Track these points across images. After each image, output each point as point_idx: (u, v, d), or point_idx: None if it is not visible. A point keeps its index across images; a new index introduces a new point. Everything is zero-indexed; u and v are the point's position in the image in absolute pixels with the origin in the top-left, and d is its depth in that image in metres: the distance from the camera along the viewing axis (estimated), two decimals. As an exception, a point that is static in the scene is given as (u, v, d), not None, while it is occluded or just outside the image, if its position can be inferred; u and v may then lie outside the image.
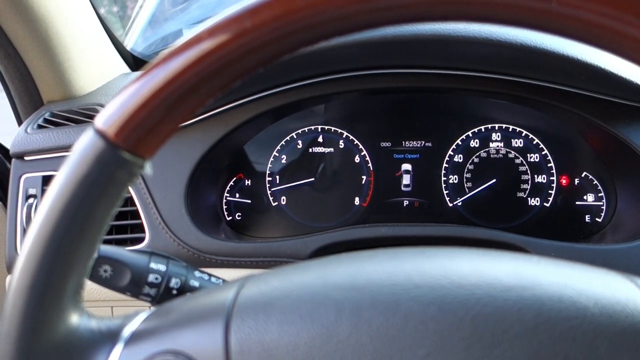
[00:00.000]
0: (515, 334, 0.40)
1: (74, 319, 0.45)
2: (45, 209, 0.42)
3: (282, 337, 0.42)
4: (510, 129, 1.11)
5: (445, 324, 0.41)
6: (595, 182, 1.08)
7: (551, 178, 1.09)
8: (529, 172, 1.10)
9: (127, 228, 1.05)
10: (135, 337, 0.46)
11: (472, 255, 0.47)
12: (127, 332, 0.46)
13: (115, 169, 0.43)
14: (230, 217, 1.16)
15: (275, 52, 0.42)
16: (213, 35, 0.42)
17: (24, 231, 1.06)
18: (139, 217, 1.03)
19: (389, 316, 0.41)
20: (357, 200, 1.14)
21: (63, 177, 0.43)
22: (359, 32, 0.42)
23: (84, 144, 0.43)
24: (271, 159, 1.15)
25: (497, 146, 1.11)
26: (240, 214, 1.16)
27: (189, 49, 0.42)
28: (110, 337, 0.46)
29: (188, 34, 0.44)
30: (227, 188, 1.16)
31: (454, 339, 0.40)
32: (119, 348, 0.45)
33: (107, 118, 0.43)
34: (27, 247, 0.43)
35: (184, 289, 0.65)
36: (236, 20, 0.41)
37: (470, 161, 1.11)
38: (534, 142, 1.10)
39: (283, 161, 1.16)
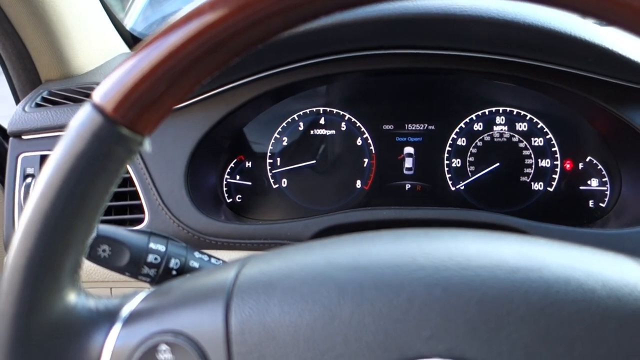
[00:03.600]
0: (521, 316, 0.39)
1: (72, 297, 0.44)
2: (41, 185, 0.42)
3: (283, 317, 0.42)
4: (514, 112, 1.09)
5: (450, 305, 0.40)
6: (600, 166, 1.07)
7: (555, 162, 1.08)
8: (532, 156, 1.09)
9: (126, 209, 1.05)
10: (134, 316, 0.45)
11: (477, 236, 0.46)
12: (125, 311, 0.46)
13: (113, 145, 0.42)
14: (231, 199, 1.15)
15: (280, 25, 0.41)
16: (215, 7, 0.40)
17: (22, 210, 1.05)
18: (138, 198, 1.02)
19: (392, 297, 0.41)
20: (358, 183, 1.13)
21: (60, 153, 0.42)
22: (369, 5, 0.40)
23: (81, 119, 0.42)
24: (272, 140, 1.14)
25: (501, 130, 1.10)
26: (240, 196, 1.15)
27: (190, 22, 0.41)
28: (108, 316, 0.45)
29: (187, 7, 0.42)
30: (228, 170, 1.15)
31: (459, 321, 0.39)
32: (117, 327, 0.44)
33: (105, 92, 0.42)
34: (23, 224, 0.42)
35: (184, 270, 0.64)
36: (239, -9, 0.40)
37: (473, 145, 1.10)
38: (539, 126, 1.08)
39: (284, 143, 1.14)
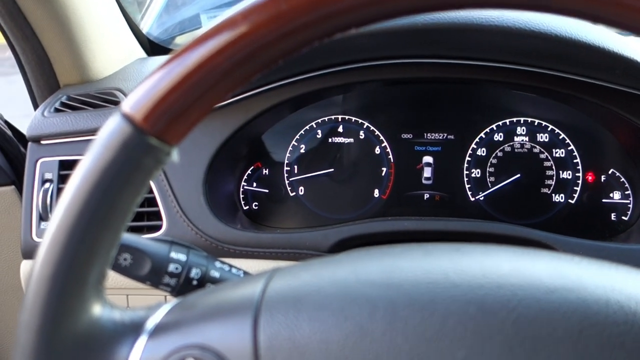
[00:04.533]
0: (559, 338, 0.38)
1: (97, 309, 0.44)
2: (69, 195, 0.41)
3: (313, 334, 0.41)
4: (535, 123, 1.08)
5: (486, 325, 0.39)
6: (623, 179, 1.05)
7: (577, 174, 1.07)
8: (554, 167, 1.07)
9: (143, 215, 1.04)
10: (160, 329, 0.44)
11: (511, 253, 0.45)
12: (151, 324, 0.45)
13: (142, 155, 0.41)
14: (247, 207, 1.14)
15: (311, 36, 0.41)
16: (247, 18, 0.40)
17: (40, 217, 1.05)
18: (156, 205, 1.02)
19: (426, 316, 0.40)
20: (376, 193, 1.12)
21: (88, 163, 0.41)
22: (402, 17, 0.40)
23: (110, 128, 0.41)
24: (290, 148, 1.14)
25: (522, 140, 1.08)
26: (257, 203, 1.15)
27: (222, 33, 0.40)
28: (133, 328, 0.45)
29: (218, 18, 0.42)
30: (245, 177, 1.14)
31: (495, 341, 0.38)
32: (142, 340, 0.44)
33: (135, 102, 0.41)
34: (50, 234, 0.41)
35: (205, 280, 0.64)
36: (271, 2, 0.39)
37: (493, 155, 1.09)
38: (560, 137, 1.07)
39: (302, 151, 1.14)
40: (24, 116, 1.13)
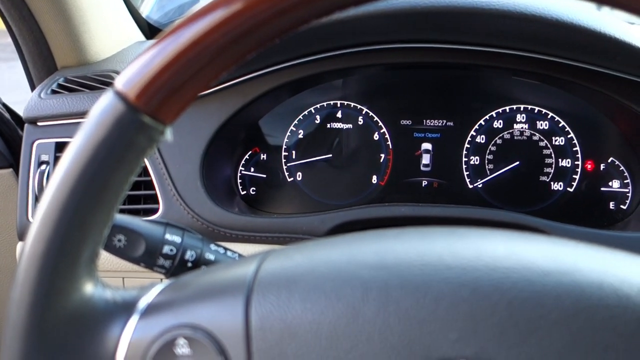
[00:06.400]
0: (553, 321, 0.38)
1: (89, 288, 0.43)
2: (60, 173, 0.41)
3: (305, 314, 0.40)
4: (535, 111, 1.07)
5: (479, 307, 0.39)
6: (622, 168, 1.04)
7: (576, 162, 1.06)
8: (553, 155, 1.07)
9: (140, 198, 1.04)
10: (152, 309, 0.44)
11: (507, 237, 0.45)
12: (143, 303, 0.45)
13: (135, 133, 0.41)
14: (245, 192, 1.14)
15: (308, 14, 0.40)
16: (243, -6, 0.39)
17: (36, 198, 1.05)
18: (152, 188, 1.02)
19: (418, 297, 0.39)
20: (374, 179, 1.12)
21: (80, 140, 0.41)
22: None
23: (102, 106, 0.41)
24: (288, 133, 1.13)
25: (522, 128, 1.08)
26: (254, 188, 1.14)
27: (217, 9, 0.39)
28: (125, 308, 0.44)
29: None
30: (242, 162, 1.14)
31: (488, 324, 0.38)
32: (134, 320, 0.44)
33: (128, 79, 0.41)
34: (41, 212, 0.41)
35: (199, 262, 0.63)
36: (267, -22, 0.39)
37: (492, 142, 1.08)
38: (560, 125, 1.06)
39: (300, 136, 1.13)
40: (25, 101, 1.13)
